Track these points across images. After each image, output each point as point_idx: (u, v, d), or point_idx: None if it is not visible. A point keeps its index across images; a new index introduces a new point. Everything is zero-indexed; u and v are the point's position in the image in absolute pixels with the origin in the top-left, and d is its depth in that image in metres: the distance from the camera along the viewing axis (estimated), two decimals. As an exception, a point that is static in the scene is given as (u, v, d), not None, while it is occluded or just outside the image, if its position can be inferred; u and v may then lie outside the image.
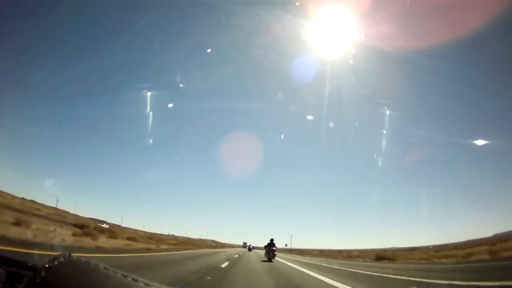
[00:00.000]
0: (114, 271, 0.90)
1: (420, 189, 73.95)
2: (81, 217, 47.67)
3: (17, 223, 14.07)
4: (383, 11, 23.10)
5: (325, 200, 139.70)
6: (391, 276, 10.53)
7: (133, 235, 29.91)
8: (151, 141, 59.09)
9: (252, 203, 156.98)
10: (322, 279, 9.50)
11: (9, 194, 33.83)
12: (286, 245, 74.60)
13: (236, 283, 7.75)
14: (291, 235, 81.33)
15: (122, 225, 72.59)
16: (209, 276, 8.02)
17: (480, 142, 35.86)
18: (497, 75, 30.92)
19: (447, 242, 41.39)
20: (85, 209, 75.11)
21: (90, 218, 60.83)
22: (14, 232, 11.23)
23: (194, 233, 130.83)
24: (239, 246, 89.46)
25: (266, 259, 19.83)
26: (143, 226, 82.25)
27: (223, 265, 12.27)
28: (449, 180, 67.36)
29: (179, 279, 6.88)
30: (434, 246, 39.97)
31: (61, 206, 49.26)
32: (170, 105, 39.08)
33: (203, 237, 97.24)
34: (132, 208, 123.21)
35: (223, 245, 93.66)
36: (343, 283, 8.15)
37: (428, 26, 26.23)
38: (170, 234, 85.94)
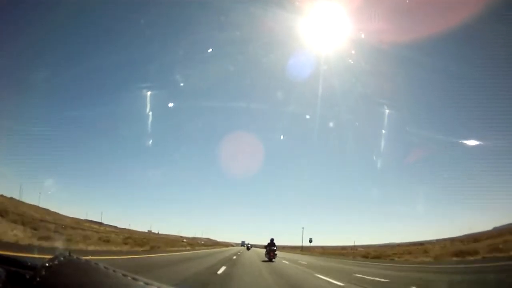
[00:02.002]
0: (114, 270, 0.91)
1: (420, 185, 74.15)
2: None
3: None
4: (381, 8, 23.18)
5: (327, 198, 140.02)
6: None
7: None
8: (150, 140, 59.28)
9: (252, 202, 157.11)
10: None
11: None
12: (310, 241, 62.20)
13: None
14: (303, 228, 66.26)
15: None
16: None
17: (480, 141, 36.07)
18: (497, 75, 31.04)
19: (446, 236, 41.57)
20: (81, 209, 74.92)
21: (87, 220, 60.96)
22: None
23: (190, 232, 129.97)
24: (237, 245, 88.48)
25: (267, 259, 19.69)
26: (129, 224, 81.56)
27: None
28: (448, 177, 67.64)
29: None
30: (438, 240, 40.03)
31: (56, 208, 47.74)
32: (170, 105, 39.28)
33: (198, 236, 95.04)
34: (128, 208, 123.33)
35: (213, 245, 72.90)
36: None
37: (426, 22, 26.25)
38: (151, 232, 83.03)
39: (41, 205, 43.13)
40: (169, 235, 79.82)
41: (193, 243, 58.61)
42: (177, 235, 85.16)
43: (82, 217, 59.23)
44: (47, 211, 42.05)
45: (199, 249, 35.07)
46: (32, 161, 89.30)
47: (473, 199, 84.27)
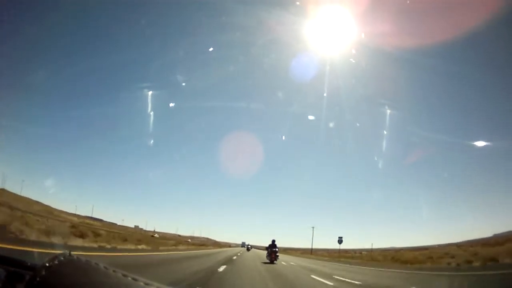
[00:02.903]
0: (114, 271, 0.90)
1: (419, 189, 73.61)
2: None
3: None
4: (384, 10, 23.21)
5: (330, 200, 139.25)
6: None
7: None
8: (151, 140, 58.63)
9: (254, 203, 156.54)
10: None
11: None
12: (340, 242, 43.64)
13: None
14: (313, 228, 59.56)
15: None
16: None
17: (481, 142, 35.80)
18: (498, 75, 30.93)
19: (446, 242, 41.26)
20: (85, 208, 75.15)
21: (89, 217, 61.38)
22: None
23: (189, 231, 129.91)
24: (236, 246, 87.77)
25: (268, 261, 19.54)
26: (122, 220, 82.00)
27: None
28: (448, 179, 67.18)
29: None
30: (440, 246, 39.74)
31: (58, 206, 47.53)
32: (171, 105, 39.45)
33: (196, 235, 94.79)
34: (130, 207, 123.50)
35: (207, 245, 59.48)
36: None
37: (428, 24, 26.35)
38: (139, 227, 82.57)
39: (37, 200, 42.95)
40: (156, 232, 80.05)
41: (180, 240, 53.84)
42: (175, 233, 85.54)
43: (78, 213, 59.87)
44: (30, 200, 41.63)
45: (166, 251, 22.29)
46: (32, 160, 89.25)
47: (473, 205, 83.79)
